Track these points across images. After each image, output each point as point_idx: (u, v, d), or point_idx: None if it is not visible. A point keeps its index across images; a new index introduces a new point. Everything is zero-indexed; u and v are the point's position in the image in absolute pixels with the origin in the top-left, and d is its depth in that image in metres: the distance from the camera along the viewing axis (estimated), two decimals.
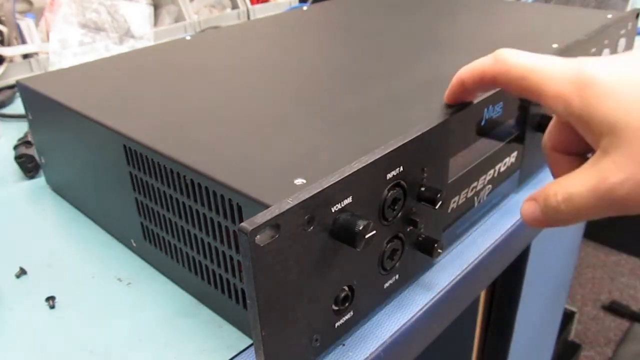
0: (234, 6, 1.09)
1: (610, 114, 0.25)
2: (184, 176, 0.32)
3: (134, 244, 0.42)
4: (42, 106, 0.47)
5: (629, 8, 0.95)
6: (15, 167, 0.56)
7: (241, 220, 0.29)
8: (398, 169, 0.31)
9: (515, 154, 0.44)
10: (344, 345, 0.33)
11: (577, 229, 0.88)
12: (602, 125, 0.25)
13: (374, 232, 0.28)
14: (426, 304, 0.35)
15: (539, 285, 0.75)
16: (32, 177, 0.55)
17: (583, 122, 0.26)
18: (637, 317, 1.56)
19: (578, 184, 0.26)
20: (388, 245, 0.33)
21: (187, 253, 0.36)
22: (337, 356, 0.32)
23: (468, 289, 0.39)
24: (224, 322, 0.35)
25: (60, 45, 0.82)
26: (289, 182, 0.28)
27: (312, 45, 0.54)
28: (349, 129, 0.35)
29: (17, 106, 0.74)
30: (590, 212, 0.26)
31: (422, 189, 0.33)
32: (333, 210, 0.28)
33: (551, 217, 0.28)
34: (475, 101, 0.36)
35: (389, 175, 0.31)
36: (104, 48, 0.84)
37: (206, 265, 0.34)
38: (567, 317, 1.40)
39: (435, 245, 0.35)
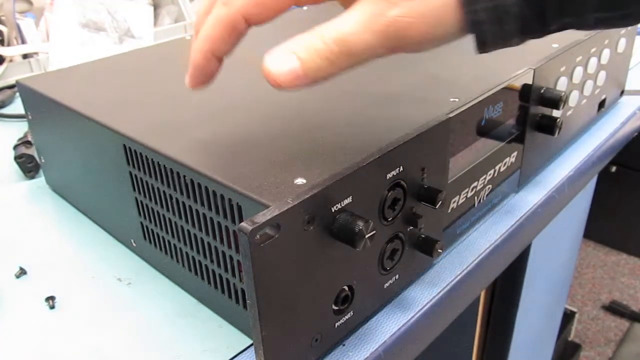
0: None
1: None
2: (184, 176, 0.32)
3: (134, 244, 0.42)
4: (42, 106, 0.47)
5: None
6: (15, 167, 0.56)
7: (241, 220, 0.29)
8: (398, 169, 0.31)
9: (515, 154, 0.44)
10: (344, 345, 0.33)
11: (577, 229, 0.88)
12: None
13: (374, 232, 0.28)
14: (426, 304, 0.35)
15: (539, 285, 0.75)
16: (32, 177, 0.55)
17: None
18: (637, 317, 1.56)
19: (352, 21, 0.24)
20: (388, 245, 0.33)
21: (187, 253, 0.35)
22: (337, 356, 0.32)
23: (468, 289, 0.39)
24: (224, 322, 0.35)
25: (60, 46, 0.82)
26: (289, 182, 0.28)
27: None
28: (349, 129, 0.35)
29: (17, 106, 0.74)
30: (368, 52, 0.25)
31: (422, 188, 0.33)
32: (333, 210, 0.28)
33: (316, 65, 0.25)
34: (476, 101, 0.36)
35: (389, 175, 0.31)
36: (104, 48, 0.84)
37: (206, 265, 0.34)
38: (567, 317, 1.40)
39: (435, 245, 0.35)
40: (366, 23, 0.24)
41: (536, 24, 0.24)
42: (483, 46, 0.24)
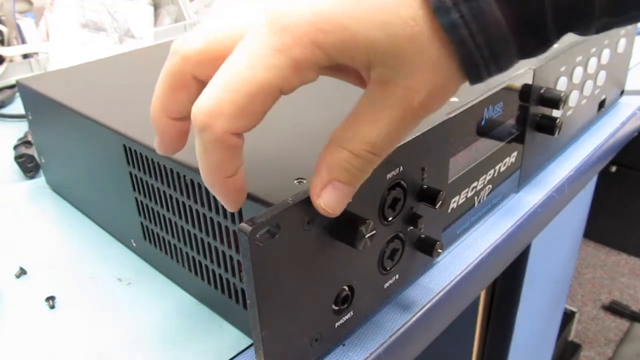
0: None
1: (362, 39, 0.21)
2: (184, 176, 0.32)
3: (134, 244, 0.42)
4: (42, 106, 0.47)
5: None
6: (15, 167, 0.56)
7: (241, 220, 0.29)
8: (398, 169, 0.31)
9: (515, 154, 0.44)
10: (344, 345, 0.33)
11: (577, 229, 0.88)
12: (362, 56, 0.22)
13: (374, 232, 0.28)
14: (426, 304, 0.35)
15: (539, 285, 0.75)
16: (32, 177, 0.55)
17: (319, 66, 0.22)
18: (637, 317, 1.56)
19: (377, 128, 0.23)
20: (388, 245, 0.33)
21: (187, 253, 0.35)
22: (337, 356, 0.32)
23: (468, 289, 0.39)
24: (224, 322, 0.35)
25: (60, 46, 0.82)
26: (289, 182, 0.28)
27: None
28: None
29: (17, 106, 0.74)
30: (400, 141, 0.24)
31: (422, 188, 0.33)
32: None
33: (360, 176, 0.24)
34: (476, 101, 0.36)
35: (389, 175, 0.31)
36: (104, 48, 0.84)
37: (206, 265, 0.34)
38: (567, 317, 1.40)
39: (436, 245, 0.35)
40: (397, 120, 0.23)
41: (536, 46, 0.23)
42: (479, 81, 0.24)
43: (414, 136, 0.31)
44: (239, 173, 0.25)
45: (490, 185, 0.42)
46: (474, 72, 0.23)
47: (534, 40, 0.23)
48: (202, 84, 0.24)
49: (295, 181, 0.28)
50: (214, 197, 0.30)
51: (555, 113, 0.45)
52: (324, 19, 0.21)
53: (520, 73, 0.41)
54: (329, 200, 0.25)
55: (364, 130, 0.23)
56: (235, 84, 0.22)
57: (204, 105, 0.22)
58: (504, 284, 0.68)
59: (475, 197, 0.41)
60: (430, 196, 0.33)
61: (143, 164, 0.36)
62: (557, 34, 0.23)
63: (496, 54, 0.22)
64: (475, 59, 0.22)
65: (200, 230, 0.33)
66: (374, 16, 0.21)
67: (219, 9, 1.03)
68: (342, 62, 0.22)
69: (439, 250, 0.35)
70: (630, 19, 0.23)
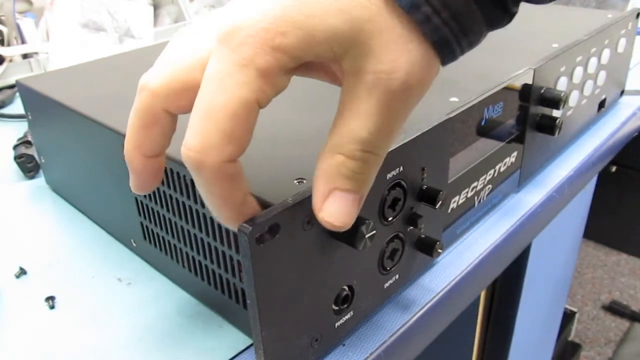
0: None
1: (320, 32, 0.21)
2: (184, 176, 0.32)
3: (134, 244, 0.42)
4: (42, 106, 0.47)
5: (629, 8, 0.95)
6: (15, 167, 0.56)
7: None
8: (398, 169, 0.31)
9: (515, 154, 0.44)
10: (344, 345, 0.33)
11: (577, 229, 0.88)
12: (325, 50, 0.21)
13: (374, 232, 0.28)
14: (426, 304, 0.35)
15: (539, 285, 0.75)
16: (32, 177, 0.55)
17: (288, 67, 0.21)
18: (637, 317, 1.56)
19: (363, 122, 0.22)
20: (388, 245, 0.33)
21: (187, 253, 0.35)
22: (337, 356, 0.32)
23: (468, 289, 0.39)
24: (224, 322, 0.35)
25: (60, 46, 0.82)
26: (289, 182, 0.28)
27: None
28: None
29: (17, 106, 0.74)
30: (395, 134, 0.23)
31: (422, 188, 0.33)
32: None
33: (366, 183, 0.23)
34: (476, 101, 0.36)
35: (389, 175, 0.31)
36: (104, 48, 0.84)
37: (206, 265, 0.34)
38: (567, 317, 1.39)
39: (436, 245, 0.35)
40: (382, 109, 0.22)
41: (500, 15, 0.23)
42: (453, 58, 0.23)
43: (414, 136, 0.31)
44: (247, 198, 0.24)
45: (490, 185, 0.42)
46: (447, 49, 0.22)
47: (497, 8, 0.23)
48: (173, 117, 0.24)
49: (295, 181, 0.28)
50: None
51: (555, 113, 0.45)
52: (277, 22, 0.21)
53: (520, 73, 0.41)
54: (334, 212, 0.23)
55: (352, 129, 0.22)
56: (212, 113, 0.21)
57: (191, 143, 0.22)
58: (504, 284, 0.68)
59: (475, 197, 0.41)
60: (430, 196, 0.33)
61: None
62: (514, 1, 0.23)
63: (465, 27, 0.22)
64: (445, 35, 0.22)
65: (200, 230, 0.33)
66: (328, 6, 0.21)
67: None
68: (308, 59, 0.22)
69: (439, 250, 0.35)
70: None
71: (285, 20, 0.21)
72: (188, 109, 0.23)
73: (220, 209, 0.24)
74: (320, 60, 0.22)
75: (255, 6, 0.21)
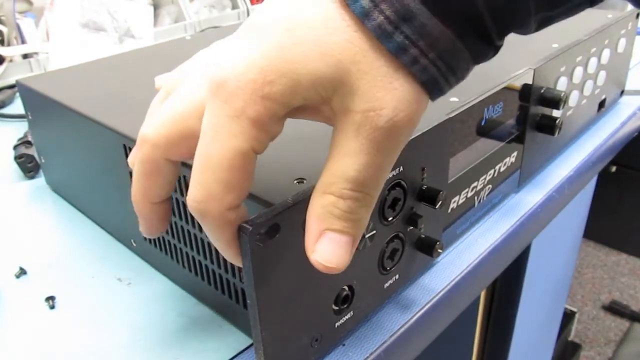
0: (234, 6, 1.09)
1: (305, 77, 0.21)
2: (184, 176, 0.32)
3: (134, 244, 0.42)
4: (42, 106, 0.47)
5: (629, 8, 0.95)
6: (15, 167, 0.56)
7: None
8: (398, 169, 0.31)
9: (515, 154, 0.44)
10: (344, 345, 0.33)
11: (577, 229, 0.88)
12: (313, 94, 0.22)
13: (374, 232, 0.28)
14: (426, 304, 0.35)
15: (539, 285, 0.75)
16: (32, 177, 0.55)
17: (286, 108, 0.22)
18: (637, 317, 1.56)
19: (352, 160, 0.22)
20: (388, 245, 0.33)
21: (187, 253, 0.35)
22: (337, 356, 0.32)
23: (468, 289, 0.39)
24: (224, 322, 0.35)
25: (60, 46, 0.82)
26: (289, 182, 0.28)
27: None
28: None
29: (17, 106, 0.74)
30: (385, 173, 0.23)
31: (422, 188, 0.33)
32: None
33: (357, 224, 0.23)
34: (476, 101, 0.36)
35: (389, 175, 0.31)
36: (104, 48, 0.84)
37: (206, 265, 0.34)
38: (567, 317, 1.40)
39: (436, 245, 0.35)
40: (370, 147, 0.22)
41: (485, 50, 0.23)
42: (441, 94, 0.24)
43: (414, 136, 0.31)
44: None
45: (490, 185, 0.42)
46: (436, 88, 0.23)
47: (482, 43, 0.23)
48: (175, 164, 0.26)
49: (295, 181, 0.28)
50: None
51: (555, 113, 0.45)
52: (264, 72, 0.21)
53: (520, 73, 0.41)
54: (326, 254, 0.22)
55: (341, 168, 0.22)
56: (210, 164, 0.22)
57: (193, 194, 0.23)
58: (504, 284, 0.68)
59: (475, 197, 0.41)
60: (430, 196, 0.33)
61: None
62: (499, 35, 0.23)
63: (452, 65, 0.22)
64: (433, 74, 0.22)
65: (200, 230, 0.33)
66: (311, 51, 0.21)
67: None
68: (298, 104, 0.22)
69: (439, 250, 0.35)
70: (567, 12, 0.24)
71: (270, 69, 0.21)
72: (189, 156, 0.24)
73: (226, 252, 0.25)
74: (310, 103, 0.22)
75: (241, 55, 0.22)
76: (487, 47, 0.23)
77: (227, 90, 0.21)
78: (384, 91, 0.21)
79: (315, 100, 0.22)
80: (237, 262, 0.25)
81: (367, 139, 0.22)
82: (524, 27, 0.24)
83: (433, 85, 0.22)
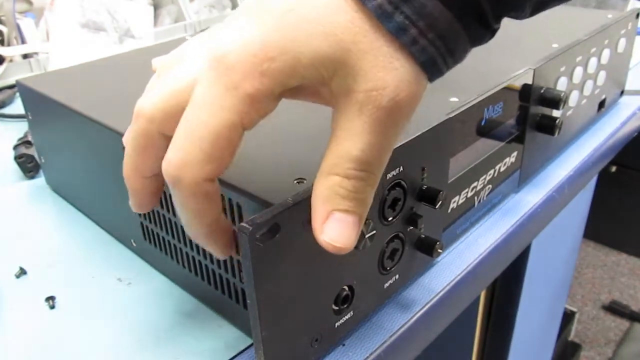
0: (234, 6, 1.09)
1: (306, 55, 0.21)
2: None
3: (134, 244, 0.42)
4: (42, 106, 0.47)
5: (629, 8, 0.95)
6: (15, 167, 0.56)
7: (241, 220, 0.29)
8: (398, 169, 0.31)
9: (515, 154, 0.44)
10: (344, 345, 0.33)
11: (577, 229, 0.88)
12: (312, 73, 0.22)
13: (374, 232, 0.28)
14: (426, 304, 0.35)
15: (539, 285, 0.75)
16: (32, 177, 0.55)
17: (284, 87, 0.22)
18: (637, 317, 1.56)
19: (355, 140, 0.22)
20: (388, 245, 0.33)
21: (187, 253, 0.35)
22: (337, 356, 0.32)
23: (468, 289, 0.39)
24: (224, 322, 0.35)
25: (60, 46, 0.82)
26: (289, 182, 0.28)
27: None
28: None
29: (17, 106, 0.74)
30: (388, 153, 0.23)
31: (422, 188, 0.33)
32: None
33: (363, 203, 0.23)
34: (476, 101, 0.36)
35: (389, 175, 0.31)
36: (104, 48, 0.84)
37: (206, 265, 0.34)
38: (567, 317, 1.40)
39: (436, 245, 0.35)
40: (374, 127, 0.22)
41: (482, 33, 0.23)
42: (439, 75, 0.24)
43: (414, 136, 0.31)
44: (220, 217, 0.25)
45: (490, 185, 0.42)
46: (434, 68, 0.23)
47: (480, 26, 0.23)
48: (168, 139, 0.25)
49: (295, 181, 0.28)
50: None
51: (555, 113, 0.45)
52: (265, 48, 0.21)
53: (520, 73, 0.41)
54: (334, 235, 0.23)
55: (345, 149, 0.22)
56: (196, 131, 0.22)
57: (171, 158, 0.22)
58: (504, 284, 0.68)
59: (475, 197, 0.41)
60: (430, 196, 0.33)
61: None
62: (495, 18, 0.23)
63: (451, 47, 0.22)
64: (432, 55, 0.22)
65: None
66: (312, 30, 0.21)
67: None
68: (296, 83, 0.22)
69: (439, 250, 0.35)
70: None
71: (272, 45, 0.21)
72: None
73: (190, 224, 0.25)
74: (309, 83, 0.22)
75: (242, 32, 0.22)
76: (485, 30, 0.23)
77: (226, 63, 0.21)
78: (385, 71, 0.22)
79: (315, 80, 0.22)
80: (197, 239, 0.25)
81: (371, 118, 0.22)
82: (519, 11, 0.24)
83: (432, 66, 0.22)
